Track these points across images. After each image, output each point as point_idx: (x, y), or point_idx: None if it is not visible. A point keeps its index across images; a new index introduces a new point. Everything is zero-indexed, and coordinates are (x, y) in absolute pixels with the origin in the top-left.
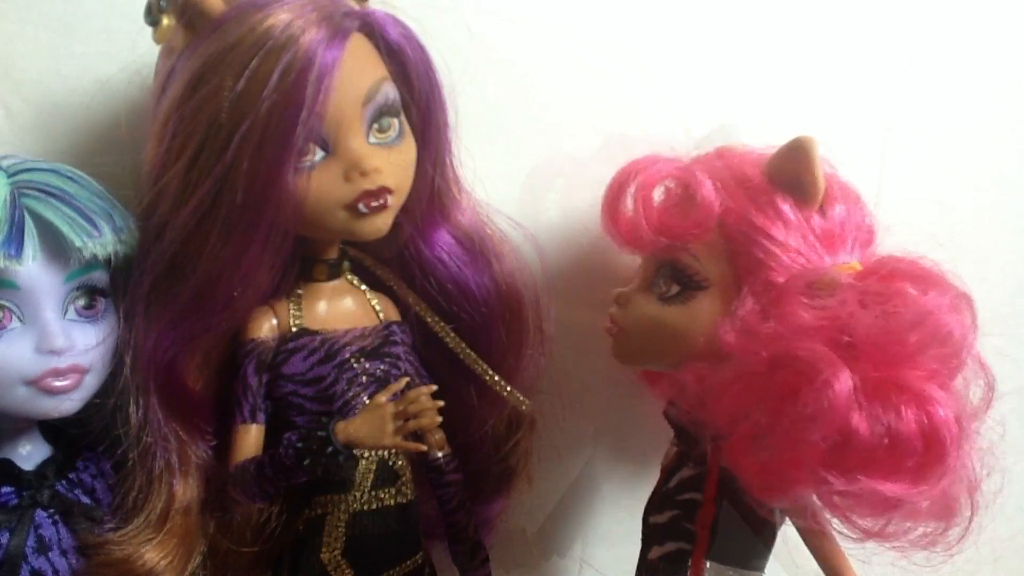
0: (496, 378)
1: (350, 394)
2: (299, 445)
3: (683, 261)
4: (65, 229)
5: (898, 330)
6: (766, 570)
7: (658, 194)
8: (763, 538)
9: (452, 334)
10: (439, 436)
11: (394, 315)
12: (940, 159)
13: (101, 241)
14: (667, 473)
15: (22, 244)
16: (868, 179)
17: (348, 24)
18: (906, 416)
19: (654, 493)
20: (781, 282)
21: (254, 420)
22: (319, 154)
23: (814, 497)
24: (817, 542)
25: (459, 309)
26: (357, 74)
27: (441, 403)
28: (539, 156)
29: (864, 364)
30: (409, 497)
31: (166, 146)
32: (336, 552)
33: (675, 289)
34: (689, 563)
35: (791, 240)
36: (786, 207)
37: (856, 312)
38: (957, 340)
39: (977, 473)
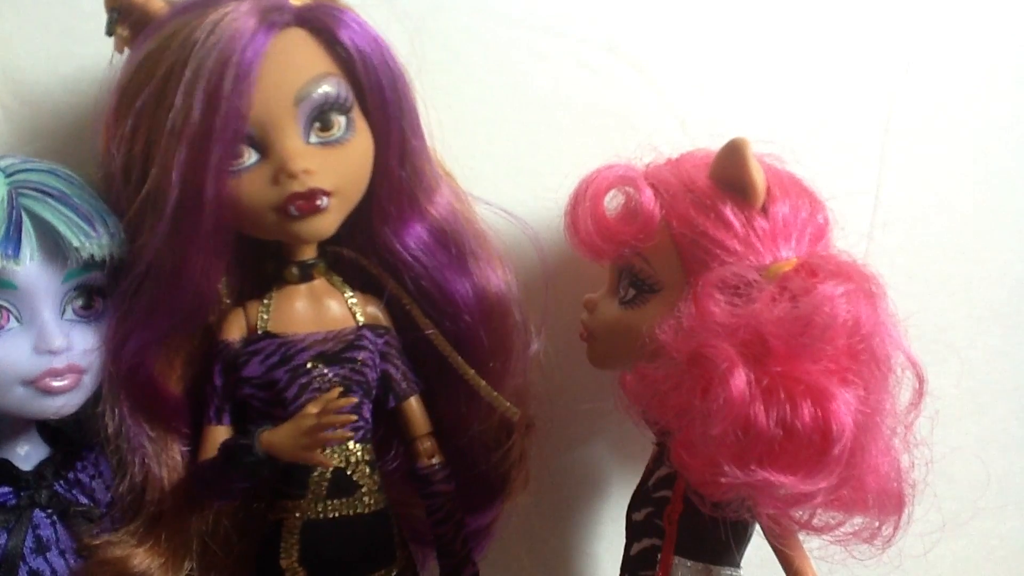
0: (483, 384)
1: (301, 400)
2: (226, 451)
3: (636, 266)
4: (63, 229)
5: (797, 323)
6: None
7: (615, 203)
8: (733, 535)
9: (440, 336)
10: (429, 444)
11: (379, 318)
12: (940, 159)
13: (99, 241)
14: (647, 472)
15: (20, 244)
16: (868, 179)
17: (275, 18)
18: (801, 409)
19: (635, 491)
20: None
21: (219, 421)
22: (253, 156)
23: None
24: (773, 537)
25: (439, 305)
26: (287, 71)
27: (353, 417)
28: (540, 157)
29: (771, 360)
30: (372, 508)
31: (112, 151)
32: (293, 559)
33: (632, 293)
34: (659, 558)
35: (730, 241)
36: (727, 208)
37: (765, 309)
38: (855, 329)
39: (904, 467)
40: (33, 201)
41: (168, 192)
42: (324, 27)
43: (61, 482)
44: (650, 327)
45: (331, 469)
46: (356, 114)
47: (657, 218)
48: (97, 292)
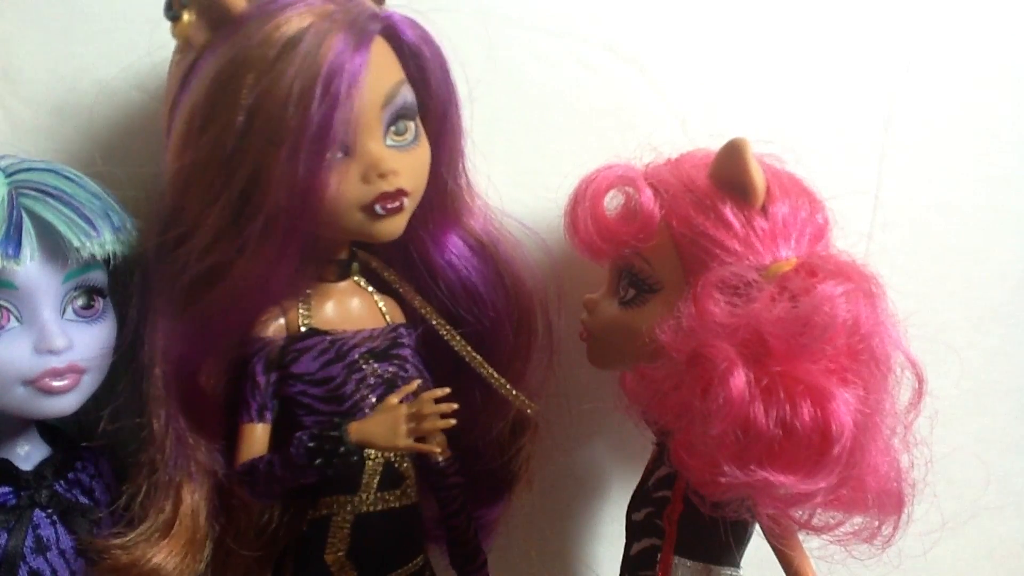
0: (502, 381)
1: (359, 395)
2: (311, 444)
3: (636, 265)
4: (63, 229)
5: (797, 323)
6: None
7: (614, 203)
8: (733, 535)
9: (458, 337)
10: (440, 439)
11: (399, 318)
12: (940, 158)
13: (99, 241)
14: (647, 472)
15: (20, 244)
16: (868, 179)
17: (372, 27)
18: (800, 409)
19: (635, 491)
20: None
21: (261, 419)
22: (337, 155)
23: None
24: (773, 537)
25: (467, 312)
26: (377, 77)
27: (455, 406)
28: (540, 157)
29: (771, 360)
30: (413, 499)
31: (192, 149)
32: (340, 553)
33: (631, 293)
34: (659, 558)
35: (730, 241)
36: (727, 209)
37: (765, 309)
38: (855, 329)
39: (904, 467)
40: (33, 201)
41: (269, 195)
42: (398, 35)
43: (61, 482)
44: (650, 327)
45: (383, 462)
46: (419, 121)
47: (657, 218)
48: (98, 292)
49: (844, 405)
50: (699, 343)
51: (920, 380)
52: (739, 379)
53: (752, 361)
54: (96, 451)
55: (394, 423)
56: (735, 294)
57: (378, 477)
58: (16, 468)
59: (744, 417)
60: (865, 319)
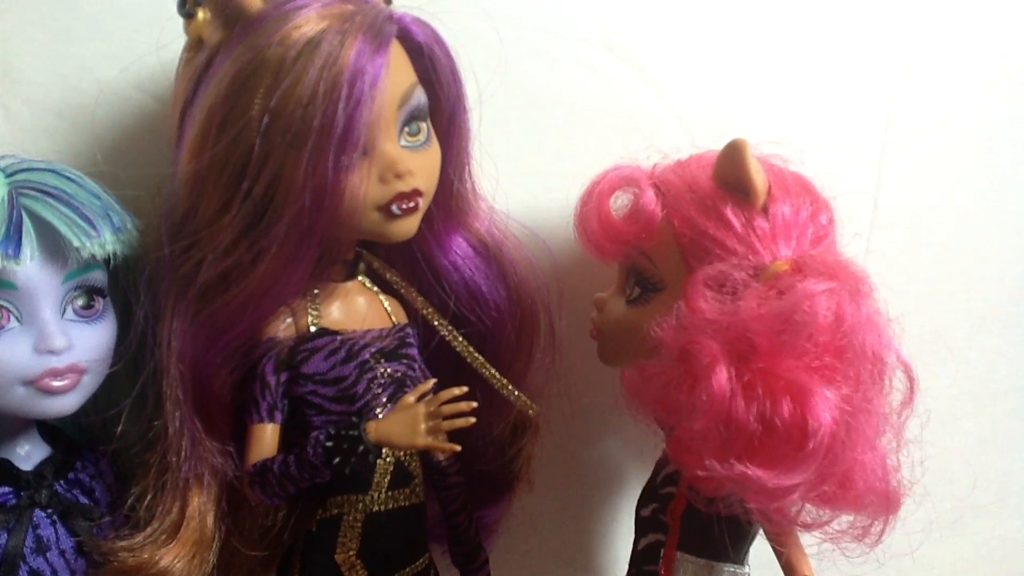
0: (504, 382)
1: (370, 395)
2: (328, 444)
3: (641, 265)
4: (63, 229)
5: (777, 320)
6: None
7: (622, 203)
8: (734, 531)
9: (460, 338)
10: (442, 438)
11: (403, 317)
12: (940, 159)
13: (99, 241)
14: (657, 468)
15: (20, 244)
16: (868, 179)
17: (389, 29)
18: (780, 405)
19: (644, 487)
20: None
21: (271, 419)
22: (356, 157)
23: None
24: (768, 533)
25: (469, 313)
26: (393, 79)
27: (474, 404)
28: (540, 157)
29: (755, 356)
30: (421, 498)
31: (209, 151)
32: (351, 553)
33: (637, 292)
34: (662, 553)
35: (730, 240)
36: (728, 209)
37: (750, 306)
38: (837, 326)
39: (898, 466)
40: (33, 201)
41: (291, 197)
42: (409, 36)
43: (61, 482)
44: (652, 325)
45: (393, 461)
46: (430, 122)
47: (658, 218)
48: (98, 292)
49: (823, 402)
50: (687, 339)
51: (911, 380)
52: (721, 375)
53: (738, 358)
54: (96, 452)
55: (413, 422)
56: (726, 292)
57: (389, 476)
58: (16, 468)
59: (726, 412)
60: (849, 317)
